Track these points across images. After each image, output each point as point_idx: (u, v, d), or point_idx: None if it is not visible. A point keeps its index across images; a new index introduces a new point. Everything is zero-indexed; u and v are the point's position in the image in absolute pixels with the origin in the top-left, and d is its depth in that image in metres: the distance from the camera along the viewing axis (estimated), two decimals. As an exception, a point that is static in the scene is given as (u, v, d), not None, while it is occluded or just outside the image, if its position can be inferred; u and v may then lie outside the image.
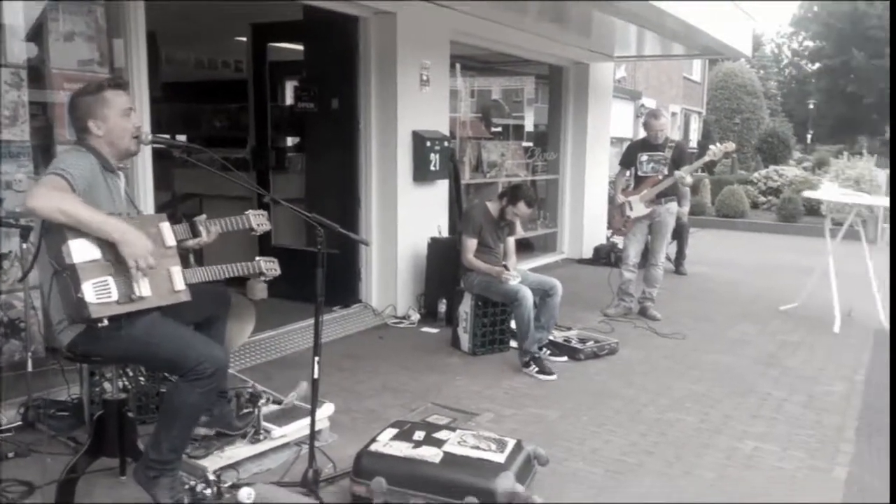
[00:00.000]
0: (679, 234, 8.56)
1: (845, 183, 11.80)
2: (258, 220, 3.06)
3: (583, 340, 5.44)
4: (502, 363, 5.08)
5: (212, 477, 2.86)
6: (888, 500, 3.22)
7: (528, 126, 11.20)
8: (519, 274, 5.13)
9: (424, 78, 6.12)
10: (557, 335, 5.45)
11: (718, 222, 13.52)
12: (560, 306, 5.25)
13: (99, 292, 2.41)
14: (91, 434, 2.83)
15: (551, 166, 9.40)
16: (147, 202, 4.34)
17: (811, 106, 47.58)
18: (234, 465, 3.22)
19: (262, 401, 3.39)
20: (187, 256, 3.16)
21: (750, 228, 13.26)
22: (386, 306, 6.09)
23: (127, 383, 3.41)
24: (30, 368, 3.65)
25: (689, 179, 6.37)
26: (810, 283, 6.79)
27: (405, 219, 6.06)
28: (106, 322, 2.42)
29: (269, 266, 3.17)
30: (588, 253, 9.39)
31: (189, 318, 2.88)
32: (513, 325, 5.13)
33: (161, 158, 4.81)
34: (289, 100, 7.49)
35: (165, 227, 2.71)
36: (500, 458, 2.93)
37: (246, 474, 3.23)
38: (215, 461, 3.13)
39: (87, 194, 2.48)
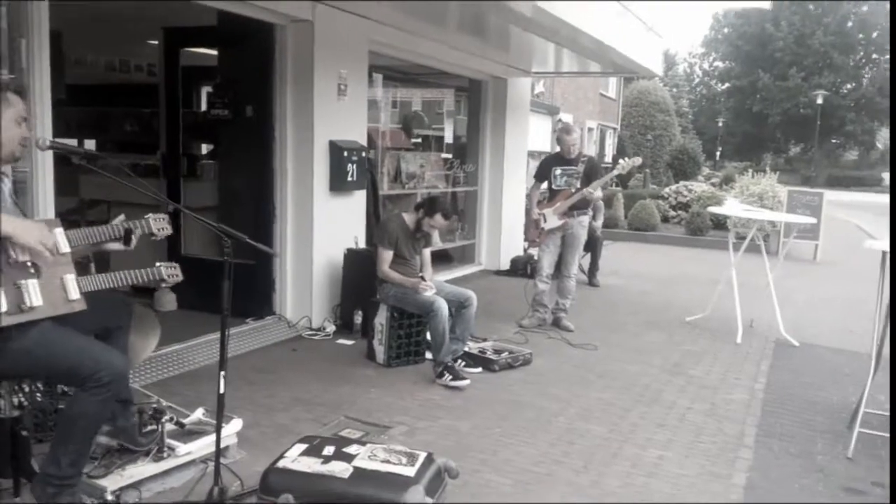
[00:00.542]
0: (593, 247, 8.78)
1: (749, 199, 12.35)
2: (158, 225, 2.95)
3: (498, 351, 5.49)
4: (417, 375, 5.08)
5: (110, 497, 2.75)
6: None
7: (448, 138, 11.29)
8: (434, 285, 5.15)
9: (342, 87, 6.09)
10: (473, 346, 5.49)
11: (631, 235, 13.92)
12: (476, 317, 5.31)
13: (-14, 304, 2.30)
14: (-19, 454, 2.69)
15: (470, 178, 9.49)
16: (48, 208, 4.15)
17: (720, 124, 49.78)
18: (135, 485, 3.10)
19: (167, 417, 3.28)
20: (87, 265, 3.04)
21: (661, 241, 13.69)
22: (301, 318, 6.01)
23: (23, 399, 3.25)
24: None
25: (598, 193, 6.56)
26: (715, 294, 7.06)
27: (321, 229, 6.00)
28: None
29: (171, 272, 3.07)
30: (505, 264, 9.50)
31: (87, 328, 2.77)
32: (428, 336, 5.14)
33: (67, 164, 4.61)
34: (202, 106, 7.32)
35: (59, 233, 2.60)
36: (410, 471, 2.92)
37: (148, 494, 3.12)
38: (116, 480, 3.01)
39: None
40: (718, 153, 49.55)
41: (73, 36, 6.66)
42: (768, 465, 3.90)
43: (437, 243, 8.42)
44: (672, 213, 15.16)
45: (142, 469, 3.12)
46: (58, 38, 4.93)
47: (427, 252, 5.48)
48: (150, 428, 3.21)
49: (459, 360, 5.15)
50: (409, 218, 5.32)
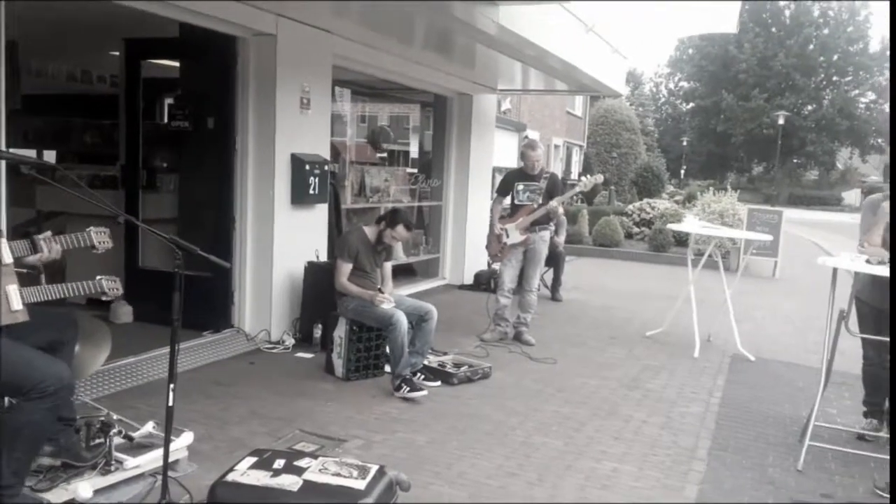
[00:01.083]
0: (555, 262, 8.85)
1: (710, 216, 12.55)
2: (100, 238, 2.92)
3: (457, 365, 5.50)
4: (375, 388, 5.07)
5: (54, 511, 2.70)
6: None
7: (414, 153, 11.34)
8: (393, 299, 5.15)
9: (305, 101, 6.08)
10: (432, 360, 5.50)
11: (595, 251, 14.05)
12: (437, 331, 5.32)
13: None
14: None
15: (435, 193, 9.52)
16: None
17: (685, 143, 50.60)
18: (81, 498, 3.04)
19: (115, 430, 3.23)
20: (38, 276, 3.00)
21: (624, 257, 13.85)
22: (260, 331, 5.96)
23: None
24: None
25: (560, 210, 6.63)
26: (674, 309, 7.15)
27: (282, 242, 5.97)
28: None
29: (111, 285, 3.02)
30: (469, 279, 9.53)
31: (33, 342, 2.73)
32: (387, 349, 5.14)
33: (23, 175, 4.54)
34: (164, 117, 7.26)
35: (2, 243, 2.56)
36: (360, 484, 2.91)
37: (94, 508, 3.07)
38: (60, 495, 2.95)
39: None
40: (683, 171, 50.30)
41: (33, 46, 6.58)
42: (720, 477, 3.94)
43: (401, 257, 8.44)
44: (636, 229, 15.34)
45: (88, 483, 3.07)
46: (13, 47, 4.89)
47: (388, 265, 5.48)
48: (97, 441, 3.16)
49: (419, 374, 5.15)
50: (370, 231, 5.32)
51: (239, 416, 4.35)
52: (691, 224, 7.84)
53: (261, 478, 2.91)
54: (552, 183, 6.60)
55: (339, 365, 5.21)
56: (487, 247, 6.90)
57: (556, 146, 26.69)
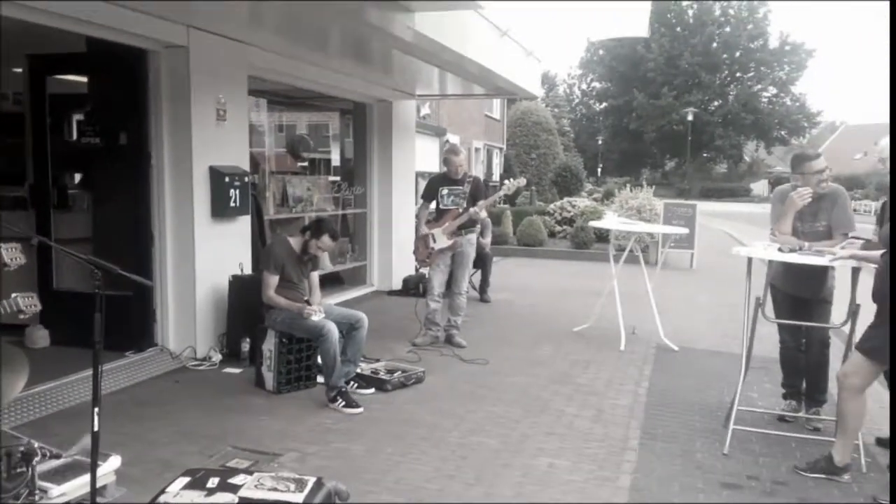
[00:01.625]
0: (483, 263, 8.94)
1: (629, 212, 12.91)
2: (10, 255, 2.80)
3: (390, 371, 5.49)
4: (308, 400, 5.01)
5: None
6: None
7: (336, 161, 11.25)
8: (323, 309, 5.11)
9: (221, 112, 5.97)
10: (365, 367, 5.47)
11: (520, 251, 14.25)
12: (368, 338, 5.30)
13: None
14: None
15: (359, 200, 9.49)
16: None
17: (600, 142, 51.90)
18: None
19: (38, 458, 3.09)
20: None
21: (548, 256, 14.09)
22: (185, 348, 5.81)
23: None
24: None
25: (483, 213, 6.71)
26: (599, 304, 7.32)
27: (204, 257, 5.84)
28: None
29: (28, 302, 2.89)
30: (397, 284, 9.53)
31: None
32: (319, 360, 5.09)
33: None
34: (73, 135, 6.99)
35: None
36: (298, 497, 2.88)
37: (18, 542, 2.94)
38: (-20, 531, 2.82)
39: None
40: (600, 169, 51.56)
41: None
42: (652, 465, 4.06)
43: (328, 266, 8.36)
44: (558, 228, 15.63)
45: (10, 517, 2.94)
46: None
47: (315, 275, 5.43)
48: (19, 471, 3.02)
49: (352, 382, 5.13)
50: (295, 241, 5.26)
51: (167, 437, 4.24)
52: (611, 221, 8.05)
53: (194, 498, 2.85)
54: (476, 186, 6.67)
55: (269, 378, 5.13)
56: (415, 252, 6.91)
57: (477, 149, 26.94)
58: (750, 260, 4.47)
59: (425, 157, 15.96)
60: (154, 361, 5.62)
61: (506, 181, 6.82)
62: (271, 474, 3.10)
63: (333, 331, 4.92)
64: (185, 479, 2.98)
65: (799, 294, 4.65)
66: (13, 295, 2.89)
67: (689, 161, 47.08)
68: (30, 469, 3.04)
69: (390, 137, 9.54)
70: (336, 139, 11.42)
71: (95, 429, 2.74)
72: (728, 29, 50.46)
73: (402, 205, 9.83)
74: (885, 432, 4.48)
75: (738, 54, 50.74)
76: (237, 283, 6.00)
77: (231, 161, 6.09)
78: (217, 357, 5.82)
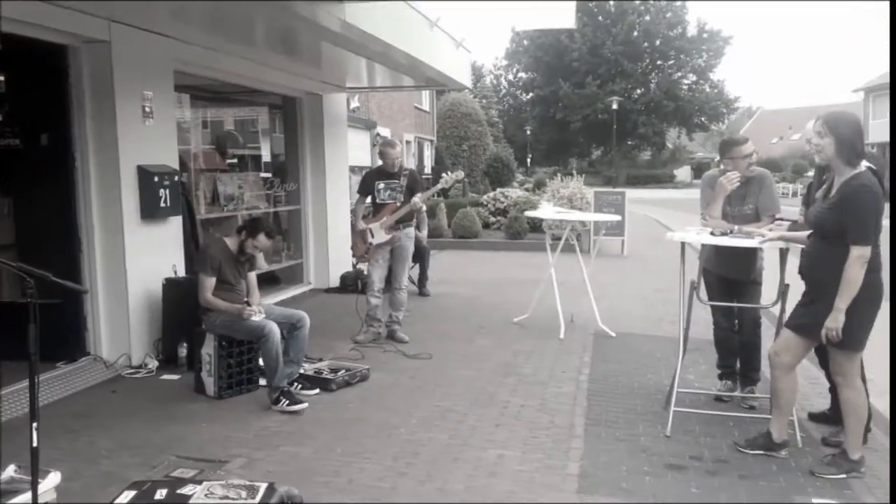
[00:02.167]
0: (420, 257, 8.92)
1: (560, 201, 13.09)
2: None
3: (334, 370, 5.43)
4: (252, 404, 4.91)
5: None
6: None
7: (266, 157, 11.03)
8: (262, 309, 5.01)
9: (147, 110, 5.78)
10: (308, 367, 5.40)
11: (455, 243, 14.29)
12: (309, 338, 5.22)
13: None
14: None
15: (292, 197, 9.33)
16: None
17: (528, 132, 52.46)
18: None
19: (-31, 481, 2.94)
20: None
21: (484, 247, 14.18)
22: (119, 356, 5.62)
23: None
24: None
25: (422, 206, 6.68)
26: (537, 294, 7.40)
27: (135, 260, 5.65)
28: None
29: None
30: (335, 281, 9.43)
31: None
32: (261, 362, 4.99)
33: None
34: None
35: None
36: (251, 504, 2.82)
37: (-48, 570, 2.79)
38: None
39: None
40: (529, 159, 52.16)
41: None
42: (598, 451, 4.13)
43: (263, 266, 8.20)
44: (492, 219, 15.73)
45: (-58, 544, 2.78)
46: None
47: (253, 275, 5.32)
48: (-51, 496, 2.87)
49: (295, 383, 5.05)
50: (230, 242, 5.14)
51: (107, 449, 4.09)
52: (546, 210, 8.14)
53: (143, 512, 2.76)
54: (412, 179, 6.64)
55: (209, 383, 5.01)
56: (353, 248, 6.85)
57: (408, 142, 26.87)
58: (683, 245, 4.58)
59: (356, 150, 15.82)
60: (88, 371, 5.41)
61: (444, 175, 6.82)
62: (221, 482, 3.03)
63: (275, 331, 4.83)
64: (132, 493, 2.88)
65: (730, 276, 4.80)
66: None
67: (614, 149, 48.07)
68: (-39, 492, 2.88)
69: (322, 131, 9.41)
70: (265, 134, 11.18)
71: (34, 444, 2.62)
72: (648, 17, 51.61)
73: (336, 200, 9.72)
74: (818, 407, 4.68)
75: (658, 42, 51.99)
76: (171, 286, 5.83)
77: (159, 160, 5.90)
78: (153, 364, 5.65)
